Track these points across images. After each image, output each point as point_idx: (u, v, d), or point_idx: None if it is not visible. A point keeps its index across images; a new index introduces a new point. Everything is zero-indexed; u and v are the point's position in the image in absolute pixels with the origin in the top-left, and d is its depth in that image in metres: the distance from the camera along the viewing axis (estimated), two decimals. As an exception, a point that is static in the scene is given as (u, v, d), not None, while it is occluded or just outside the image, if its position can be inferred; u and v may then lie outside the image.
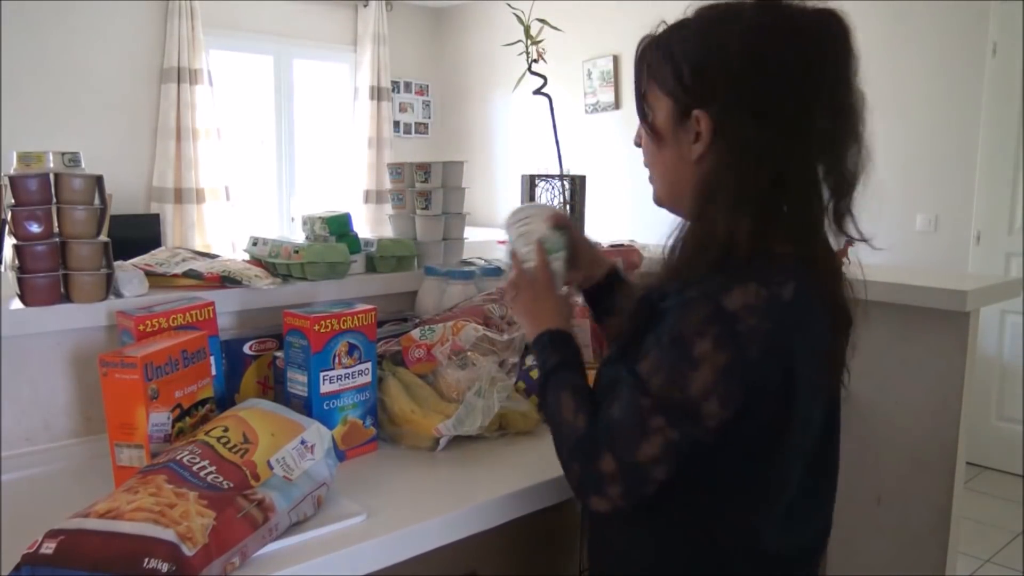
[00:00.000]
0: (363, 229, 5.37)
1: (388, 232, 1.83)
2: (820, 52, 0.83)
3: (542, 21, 2.12)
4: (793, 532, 0.90)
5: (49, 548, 0.76)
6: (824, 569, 1.48)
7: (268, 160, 5.69)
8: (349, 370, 1.19)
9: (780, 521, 0.88)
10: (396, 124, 6.21)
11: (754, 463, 0.85)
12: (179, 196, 5.02)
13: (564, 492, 0.93)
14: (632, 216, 3.94)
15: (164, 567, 0.74)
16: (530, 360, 1.33)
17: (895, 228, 3.71)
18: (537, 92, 2.09)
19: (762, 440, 0.84)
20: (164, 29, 4.94)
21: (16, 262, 1.20)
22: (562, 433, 0.91)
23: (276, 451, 0.95)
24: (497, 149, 6.00)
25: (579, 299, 1.27)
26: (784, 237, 0.84)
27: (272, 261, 1.49)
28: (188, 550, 0.77)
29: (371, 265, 1.65)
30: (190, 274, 1.38)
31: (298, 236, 1.70)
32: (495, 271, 1.65)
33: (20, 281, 1.20)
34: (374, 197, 5.98)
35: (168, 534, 0.77)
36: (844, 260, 0.93)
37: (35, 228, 1.19)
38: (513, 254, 1.14)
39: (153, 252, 1.47)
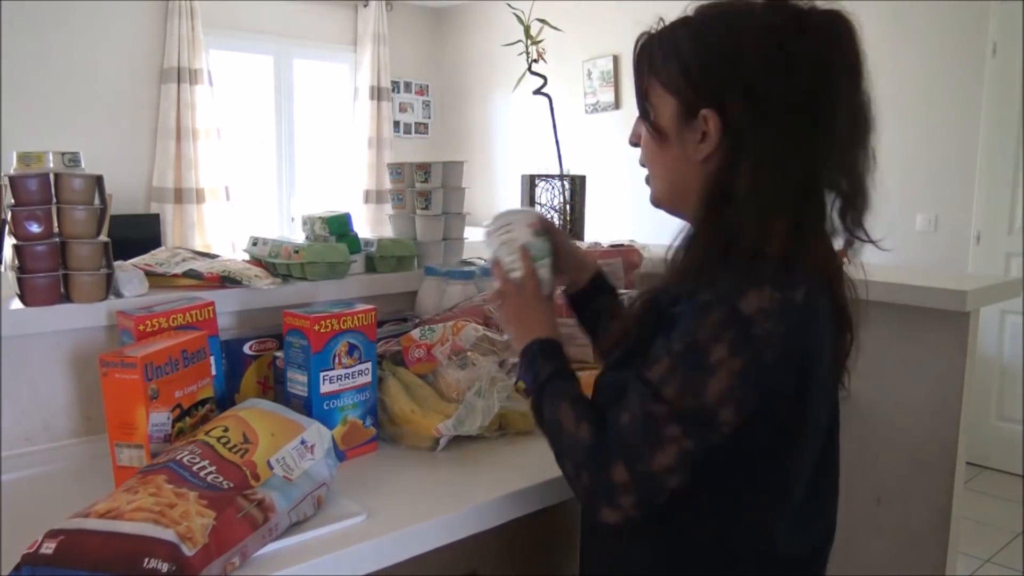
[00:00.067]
0: (363, 229, 5.37)
1: (388, 232, 1.83)
2: (833, 52, 0.83)
3: (542, 21, 2.12)
4: (802, 533, 0.90)
5: (49, 548, 0.76)
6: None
7: (268, 160, 5.69)
8: (349, 370, 1.19)
9: (791, 523, 0.88)
10: (396, 124, 6.22)
11: (767, 465, 0.84)
12: (179, 196, 5.02)
13: (564, 492, 0.93)
14: (632, 216, 3.94)
15: (164, 567, 0.74)
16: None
17: (895, 228, 3.71)
18: (537, 92, 2.10)
19: (776, 442, 0.83)
20: (164, 29, 4.94)
21: (16, 262, 1.20)
22: (564, 444, 0.88)
23: (276, 451, 0.95)
24: (497, 149, 6.00)
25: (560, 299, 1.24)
26: (792, 238, 0.83)
27: (272, 261, 1.49)
28: (188, 550, 0.77)
29: (371, 265, 1.65)
30: (190, 274, 1.38)
31: (298, 236, 1.70)
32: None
33: (20, 281, 1.20)
34: (374, 197, 5.98)
35: (168, 534, 0.77)
36: (844, 260, 0.93)
37: (35, 228, 1.19)
38: (497, 263, 1.11)
39: (153, 252, 1.47)
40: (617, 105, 5.13)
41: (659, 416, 0.80)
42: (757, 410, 0.79)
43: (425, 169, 1.72)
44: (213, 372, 1.16)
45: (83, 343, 1.25)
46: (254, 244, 1.57)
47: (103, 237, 1.26)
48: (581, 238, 2.03)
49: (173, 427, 1.02)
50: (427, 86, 6.42)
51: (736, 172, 0.84)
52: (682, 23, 0.89)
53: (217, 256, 1.56)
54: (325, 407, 1.16)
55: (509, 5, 2.15)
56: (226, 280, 1.37)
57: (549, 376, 0.95)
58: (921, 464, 1.51)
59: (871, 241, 0.89)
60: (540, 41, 2.11)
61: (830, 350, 0.87)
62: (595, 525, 0.98)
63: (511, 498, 1.06)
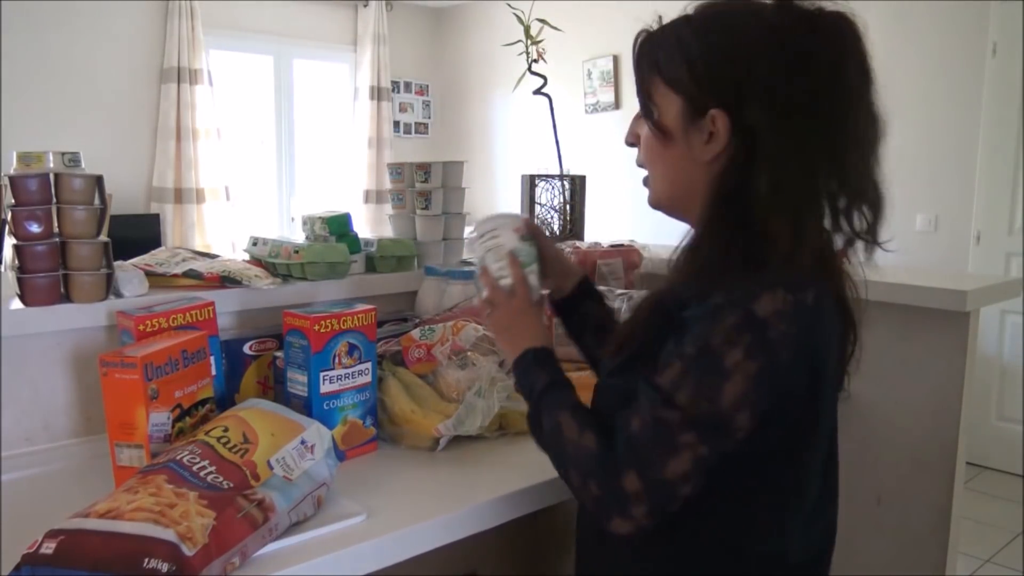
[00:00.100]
0: (363, 229, 5.37)
1: (388, 232, 1.83)
2: (845, 53, 0.82)
3: (542, 21, 2.12)
4: (809, 535, 0.89)
5: (49, 548, 0.76)
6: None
7: (268, 160, 5.69)
8: (349, 370, 1.19)
9: (803, 525, 0.88)
10: (396, 124, 6.22)
11: (780, 467, 0.84)
12: (179, 196, 5.03)
13: (564, 492, 0.93)
14: (632, 216, 3.94)
15: (164, 567, 0.74)
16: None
17: (895, 228, 3.70)
18: (537, 92, 2.10)
19: (788, 444, 0.83)
20: (164, 29, 4.94)
21: (16, 262, 1.20)
22: (568, 455, 0.86)
23: (276, 451, 0.95)
24: (497, 149, 6.00)
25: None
26: (801, 239, 0.83)
27: (272, 261, 1.49)
28: (188, 550, 0.77)
29: (371, 265, 1.65)
30: (190, 274, 1.38)
31: (298, 236, 1.70)
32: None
33: (20, 281, 1.20)
34: (374, 197, 5.98)
35: (168, 534, 0.77)
36: (844, 260, 0.93)
37: (35, 228, 1.19)
38: (484, 271, 1.07)
39: (153, 252, 1.47)
40: (617, 105, 5.13)
41: (672, 422, 0.78)
42: (771, 413, 0.78)
43: (425, 169, 1.72)
44: (213, 372, 1.16)
45: (83, 343, 1.25)
46: (254, 244, 1.57)
47: (103, 237, 1.26)
48: (581, 238, 2.03)
49: (173, 427, 1.02)
50: (427, 86, 6.42)
51: (748, 173, 0.82)
52: (684, 21, 0.87)
53: (217, 256, 1.56)
54: (325, 407, 1.16)
55: (509, 5, 2.15)
56: (226, 280, 1.37)
57: (545, 387, 0.93)
58: (921, 464, 1.51)
59: (878, 244, 0.88)
60: (540, 41, 2.11)
61: (837, 350, 0.87)
62: (600, 533, 0.94)
63: (511, 498, 1.06)
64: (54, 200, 1.20)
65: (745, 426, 0.78)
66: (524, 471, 1.12)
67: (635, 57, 0.91)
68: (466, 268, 1.64)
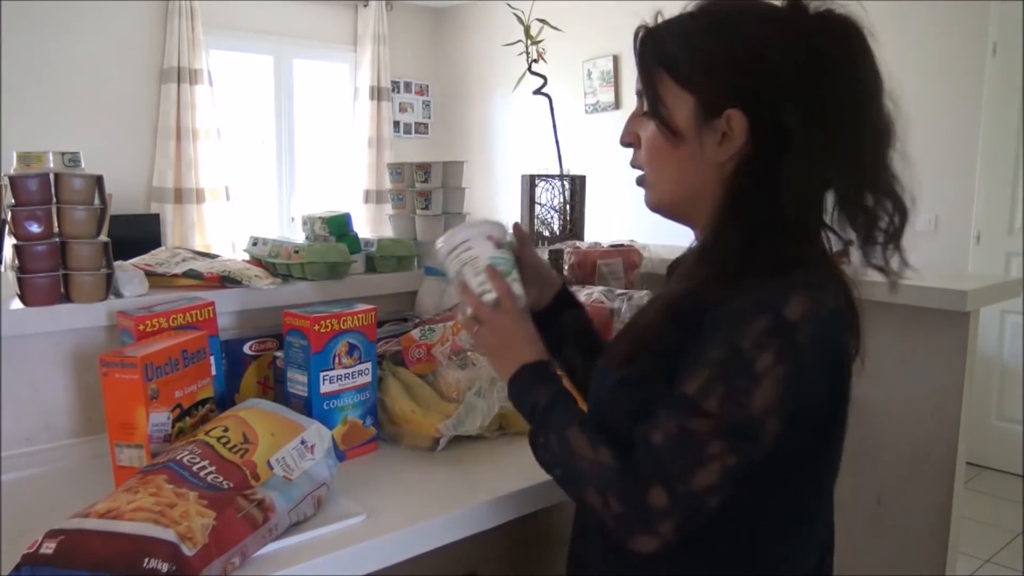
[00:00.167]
0: (363, 229, 5.37)
1: (388, 232, 1.83)
2: (857, 55, 0.81)
3: (542, 21, 2.12)
4: (819, 535, 0.89)
5: (49, 548, 0.76)
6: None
7: (268, 160, 5.69)
8: (349, 370, 1.19)
9: (820, 527, 0.88)
10: (396, 124, 6.22)
11: (804, 469, 0.82)
12: (179, 196, 5.03)
13: (564, 493, 0.93)
14: (632, 216, 3.93)
15: (164, 567, 0.74)
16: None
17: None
18: (537, 92, 2.10)
19: (813, 445, 0.82)
20: (164, 29, 4.94)
21: (16, 262, 1.20)
22: (583, 472, 0.81)
23: (276, 451, 0.95)
24: (497, 149, 6.00)
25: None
26: (818, 241, 0.82)
27: (272, 261, 1.49)
28: (188, 550, 0.77)
29: (371, 265, 1.65)
30: (190, 274, 1.38)
31: (298, 236, 1.70)
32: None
33: (20, 281, 1.20)
34: (374, 197, 5.98)
35: (168, 534, 0.77)
36: (844, 261, 0.93)
37: (35, 228, 1.19)
38: (464, 287, 1.01)
39: (153, 252, 1.47)
40: (617, 105, 5.13)
41: (700, 432, 0.74)
42: (796, 416, 0.76)
43: (425, 169, 1.72)
44: (213, 372, 1.16)
45: (83, 343, 1.25)
46: (254, 244, 1.57)
47: (103, 237, 1.26)
48: (581, 238, 2.03)
49: (173, 427, 1.02)
50: (427, 86, 6.42)
51: (768, 173, 0.80)
52: (689, 17, 0.85)
53: (217, 256, 1.56)
54: (325, 407, 1.16)
55: (509, 5, 2.15)
56: (226, 280, 1.38)
57: (548, 404, 0.89)
58: (921, 464, 1.51)
59: (898, 246, 0.85)
60: (540, 41, 2.11)
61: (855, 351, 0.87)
62: (600, 538, 0.90)
63: (511, 498, 1.06)
64: (54, 200, 1.20)
65: (774, 432, 0.75)
66: (524, 471, 1.11)
67: (638, 53, 0.87)
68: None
